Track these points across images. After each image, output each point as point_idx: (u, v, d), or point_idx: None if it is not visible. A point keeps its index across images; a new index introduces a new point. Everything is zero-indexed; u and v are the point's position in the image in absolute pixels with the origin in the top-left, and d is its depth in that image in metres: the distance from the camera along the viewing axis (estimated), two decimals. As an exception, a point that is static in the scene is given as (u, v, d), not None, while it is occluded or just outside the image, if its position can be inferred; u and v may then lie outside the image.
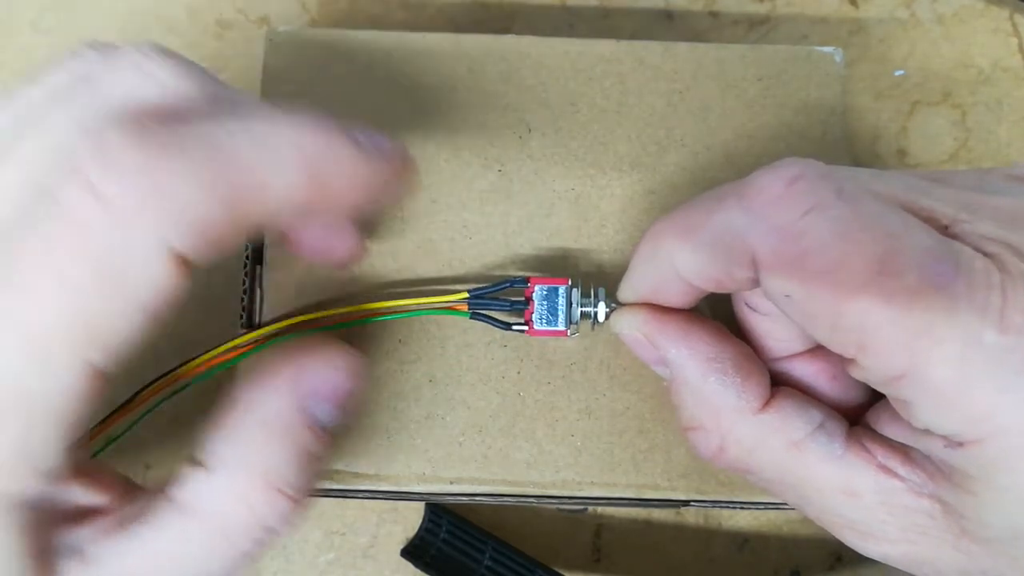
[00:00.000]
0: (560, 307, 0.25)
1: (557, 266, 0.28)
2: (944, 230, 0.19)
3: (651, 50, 0.30)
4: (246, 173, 0.17)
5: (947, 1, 0.39)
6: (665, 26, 0.39)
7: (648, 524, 0.35)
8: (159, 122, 0.17)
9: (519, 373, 0.27)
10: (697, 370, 0.23)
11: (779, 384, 0.23)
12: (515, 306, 0.25)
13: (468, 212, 0.28)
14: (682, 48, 0.30)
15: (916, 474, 0.20)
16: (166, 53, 0.19)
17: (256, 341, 0.25)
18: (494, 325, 0.26)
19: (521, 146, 0.29)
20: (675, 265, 0.22)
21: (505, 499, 0.27)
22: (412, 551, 0.33)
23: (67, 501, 0.20)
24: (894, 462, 0.21)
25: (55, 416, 0.17)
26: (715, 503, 0.27)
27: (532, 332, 0.25)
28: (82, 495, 0.20)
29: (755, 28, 0.39)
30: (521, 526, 0.34)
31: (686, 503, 0.27)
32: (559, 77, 0.30)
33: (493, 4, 0.39)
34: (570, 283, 0.25)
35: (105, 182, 0.16)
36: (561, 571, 0.33)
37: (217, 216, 0.17)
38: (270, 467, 0.20)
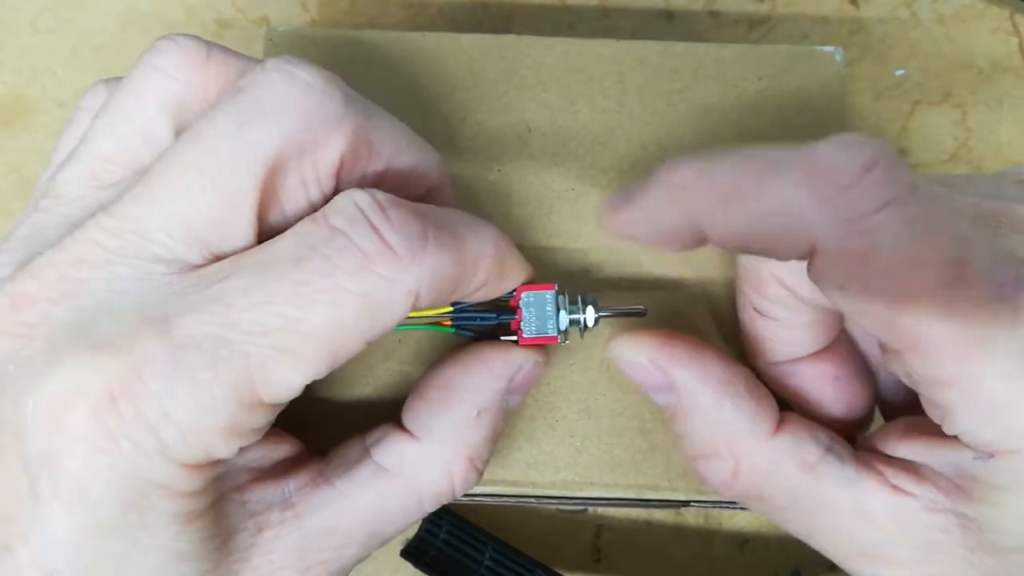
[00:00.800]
0: (549, 313, 0.24)
1: (557, 266, 0.28)
2: None
3: (651, 50, 0.30)
4: (471, 259, 0.21)
5: (947, 1, 0.38)
6: (665, 26, 0.39)
7: (648, 525, 0.35)
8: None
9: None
10: (711, 395, 0.22)
11: (779, 389, 0.23)
12: (502, 317, 0.24)
13: (468, 212, 0.28)
14: (682, 48, 0.30)
15: (929, 491, 0.20)
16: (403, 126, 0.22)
17: None
18: (479, 334, 0.25)
19: (521, 146, 0.29)
20: (701, 222, 0.20)
21: (505, 499, 0.27)
22: (412, 551, 0.33)
23: (264, 458, 0.22)
24: (906, 481, 0.20)
25: (268, 403, 0.19)
26: (715, 503, 0.27)
27: (523, 341, 0.24)
28: (272, 451, 0.22)
29: (755, 28, 0.39)
30: (521, 526, 0.34)
31: (686, 503, 0.27)
32: (559, 77, 0.30)
33: (493, 4, 0.39)
34: (557, 288, 0.24)
35: (390, 233, 0.19)
36: (561, 572, 0.33)
37: (448, 281, 0.20)
38: (473, 443, 0.23)
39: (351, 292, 0.18)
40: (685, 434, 0.23)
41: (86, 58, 0.39)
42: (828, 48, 0.30)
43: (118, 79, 0.22)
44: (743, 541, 0.35)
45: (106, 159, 0.21)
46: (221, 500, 0.20)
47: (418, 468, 0.22)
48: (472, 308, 0.24)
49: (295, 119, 0.19)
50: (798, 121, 0.29)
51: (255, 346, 0.18)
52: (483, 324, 0.24)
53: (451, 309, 0.24)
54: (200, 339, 0.18)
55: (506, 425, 0.24)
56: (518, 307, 0.24)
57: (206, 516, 0.19)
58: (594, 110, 0.29)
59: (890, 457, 0.21)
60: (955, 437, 0.19)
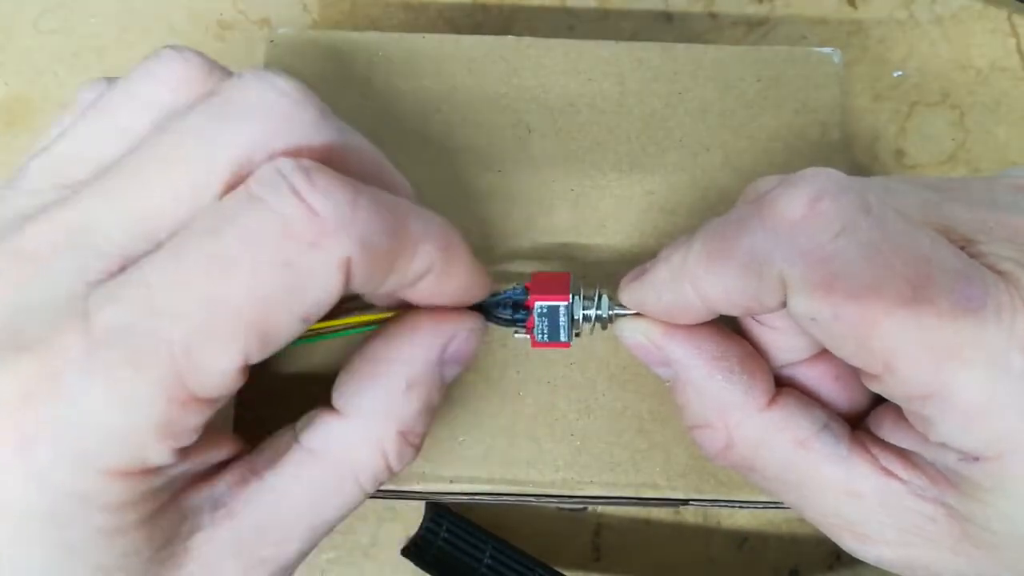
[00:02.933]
0: (561, 324, 0.24)
1: (557, 267, 0.28)
2: (962, 249, 0.19)
3: (650, 51, 0.30)
4: (410, 238, 0.19)
5: (945, 2, 0.39)
6: (664, 27, 0.39)
7: (648, 523, 0.35)
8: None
9: (519, 373, 0.27)
10: (703, 369, 0.23)
11: (781, 387, 0.24)
12: (516, 316, 0.24)
13: (468, 212, 0.28)
14: (681, 49, 0.30)
15: (918, 478, 0.21)
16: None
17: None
18: (500, 324, 0.25)
19: (521, 146, 0.29)
20: (701, 293, 0.21)
21: (505, 498, 0.27)
22: (412, 550, 0.34)
23: (202, 463, 0.20)
24: (896, 466, 0.21)
25: (201, 396, 0.18)
26: (714, 502, 0.27)
27: (535, 344, 0.24)
28: (214, 454, 0.21)
29: (754, 29, 0.39)
30: (521, 525, 0.34)
31: (685, 502, 0.27)
32: (559, 78, 0.30)
33: (493, 5, 0.39)
34: (571, 299, 0.24)
35: (314, 197, 0.18)
36: (561, 570, 0.33)
37: (382, 256, 0.19)
38: (404, 417, 0.22)
39: (271, 262, 0.17)
40: (682, 405, 0.24)
41: (88, 59, 0.39)
42: (826, 49, 0.30)
43: (118, 79, 0.22)
44: (742, 540, 0.35)
45: (77, 156, 0.20)
46: (157, 512, 0.19)
47: (347, 447, 0.21)
48: (487, 304, 0.24)
49: (265, 122, 0.19)
50: (797, 122, 0.29)
51: (178, 332, 0.17)
52: (500, 321, 0.24)
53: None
54: (119, 331, 0.17)
55: (443, 398, 0.23)
56: (531, 314, 0.24)
57: (140, 528, 0.18)
58: (594, 111, 0.29)
59: (881, 439, 0.22)
60: None
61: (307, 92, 0.20)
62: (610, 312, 0.24)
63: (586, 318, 0.24)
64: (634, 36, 0.39)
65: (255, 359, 0.18)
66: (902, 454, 0.21)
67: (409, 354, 0.22)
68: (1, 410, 0.17)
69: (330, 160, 0.19)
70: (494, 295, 0.24)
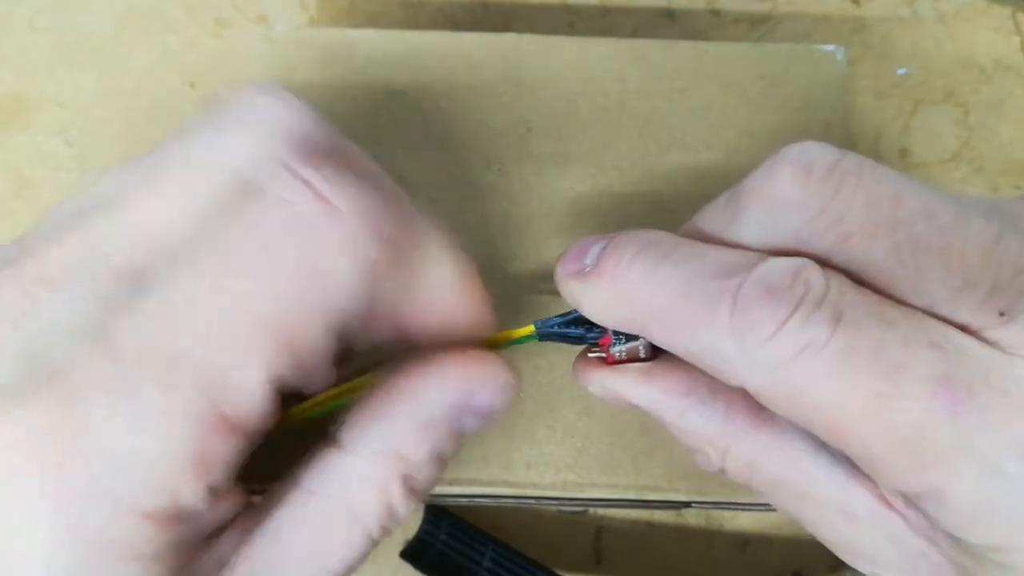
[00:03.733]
0: (641, 338, 0.22)
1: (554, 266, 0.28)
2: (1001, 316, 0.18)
3: (652, 48, 0.30)
4: (415, 222, 0.19)
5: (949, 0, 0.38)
6: (666, 24, 0.39)
7: (649, 526, 0.35)
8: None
9: (519, 374, 0.27)
10: (675, 410, 0.22)
11: None
12: (591, 334, 0.22)
13: (468, 212, 0.28)
14: (683, 46, 0.30)
15: (918, 517, 0.20)
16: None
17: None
18: (569, 343, 0.23)
19: (521, 146, 0.29)
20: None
21: (505, 500, 0.27)
22: (411, 552, 0.33)
23: (220, 517, 0.19)
24: (897, 500, 0.20)
25: (233, 420, 0.17)
26: (716, 504, 0.27)
27: (611, 361, 0.23)
28: (225, 509, 0.19)
29: (757, 26, 0.38)
30: (521, 528, 0.34)
31: (687, 504, 0.27)
32: (559, 76, 0.30)
33: (493, 2, 0.39)
34: None
35: (327, 187, 0.17)
36: (562, 573, 0.32)
37: (395, 246, 0.18)
38: (411, 462, 0.20)
39: (288, 258, 0.17)
40: (672, 433, 0.23)
41: (85, 57, 0.39)
42: (829, 47, 0.30)
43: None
44: (744, 542, 0.35)
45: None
46: (179, 570, 0.17)
47: (348, 486, 0.19)
48: (555, 323, 0.22)
49: (269, 129, 0.18)
50: (799, 120, 0.29)
51: (203, 347, 0.16)
52: (568, 335, 0.22)
53: (532, 329, 0.22)
54: (142, 352, 0.16)
55: (457, 453, 0.21)
56: (607, 330, 0.22)
57: None
58: (595, 109, 0.29)
59: None
60: None
61: (314, 111, 0.19)
62: None
63: None
64: (635, 33, 0.38)
65: (287, 377, 0.17)
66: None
67: (428, 393, 0.20)
68: (26, 449, 0.16)
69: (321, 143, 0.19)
70: (559, 316, 0.22)
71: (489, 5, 0.39)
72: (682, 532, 0.35)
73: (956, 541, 0.19)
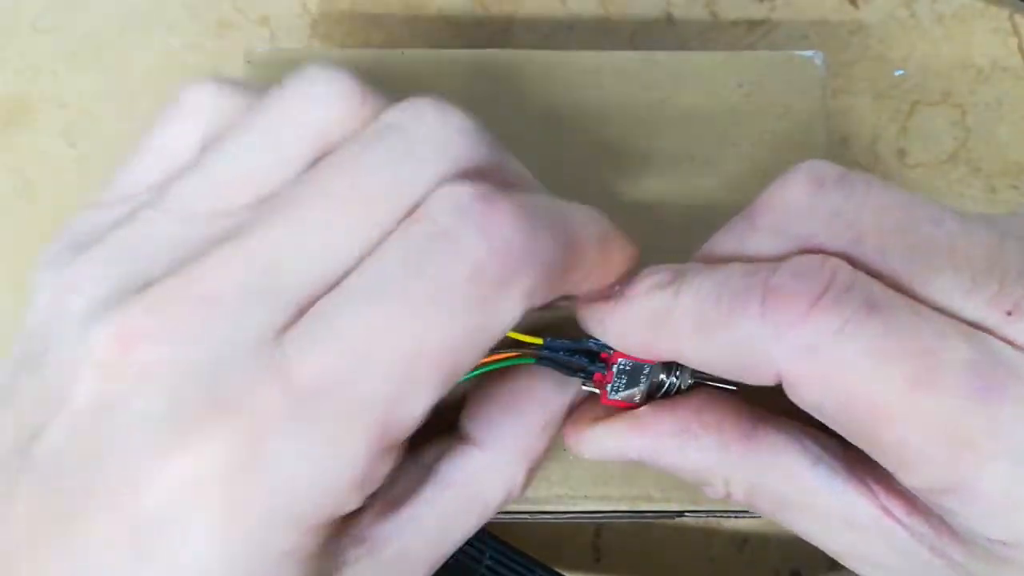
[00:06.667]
0: (641, 383, 0.23)
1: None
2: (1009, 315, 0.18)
3: (631, 59, 0.30)
4: (578, 243, 0.19)
5: (947, 1, 0.39)
6: (665, 28, 0.39)
7: (648, 524, 0.35)
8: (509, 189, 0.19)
9: None
10: (669, 453, 0.22)
11: (762, 421, 0.23)
12: (592, 368, 0.23)
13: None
14: (662, 57, 0.30)
15: (921, 525, 0.20)
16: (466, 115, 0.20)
17: None
18: (559, 369, 0.23)
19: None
20: (680, 352, 0.20)
21: (498, 517, 0.27)
22: (412, 551, 0.33)
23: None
24: (898, 509, 0.20)
25: (397, 443, 0.18)
26: (710, 513, 0.27)
27: (605, 401, 0.23)
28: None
29: (754, 29, 0.39)
30: (520, 526, 0.34)
31: (680, 514, 0.27)
32: (539, 90, 0.29)
33: (493, 4, 0.39)
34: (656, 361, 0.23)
35: (501, 232, 0.17)
36: (561, 571, 0.33)
37: (559, 274, 0.19)
38: (536, 454, 0.22)
39: (467, 305, 0.17)
40: (677, 475, 0.23)
41: (87, 58, 0.39)
42: (808, 53, 0.30)
43: (239, 83, 0.21)
44: (743, 541, 0.35)
45: (236, 179, 0.19)
46: (327, 553, 0.18)
47: (483, 478, 0.22)
48: (561, 348, 0.23)
49: (448, 159, 0.18)
50: (780, 127, 0.29)
51: (381, 381, 0.17)
52: (569, 364, 0.23)
53: (541, 342, 0.22)
54: (321, 383, 0.16)
55: None
56: (610, 368, 0.23)
57: (317, 574, 0.18)
58: (575, 123, 0.29)
59: (885, 473, 0.20)
60: None
61: (479, 122, 0.20)
62: (689, 382, 0.23)
63: (663, 384, 0.23)
64: (634, 36, 0.39)
65: (437, 400, 0.18)
66: (906, 496, 0.20)
67: (550, 397, 0.23)
68: (209, 479, 0.16)
69: (503, 183, 0.19)
70: (570, 340, 0.23)
71: (489, 6, 0.39)
72: (681, 531, 0.35)
73: (969, 545, 0.19)
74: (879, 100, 0.37)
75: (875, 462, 0.21)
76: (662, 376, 0.23)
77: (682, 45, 0.39)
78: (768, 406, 0.22)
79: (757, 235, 0.21)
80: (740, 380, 0.20)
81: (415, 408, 0.17)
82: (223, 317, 0.17)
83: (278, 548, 0.17)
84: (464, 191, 0.18)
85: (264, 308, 0.17)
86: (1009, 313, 0.18)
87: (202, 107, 0.20)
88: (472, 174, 0.18)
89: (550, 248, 0.18)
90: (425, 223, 0.17)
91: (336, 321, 0.17)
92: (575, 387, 0.23)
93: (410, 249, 0.17)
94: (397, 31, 0.39)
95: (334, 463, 0.16)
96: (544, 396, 0.22)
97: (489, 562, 0.33)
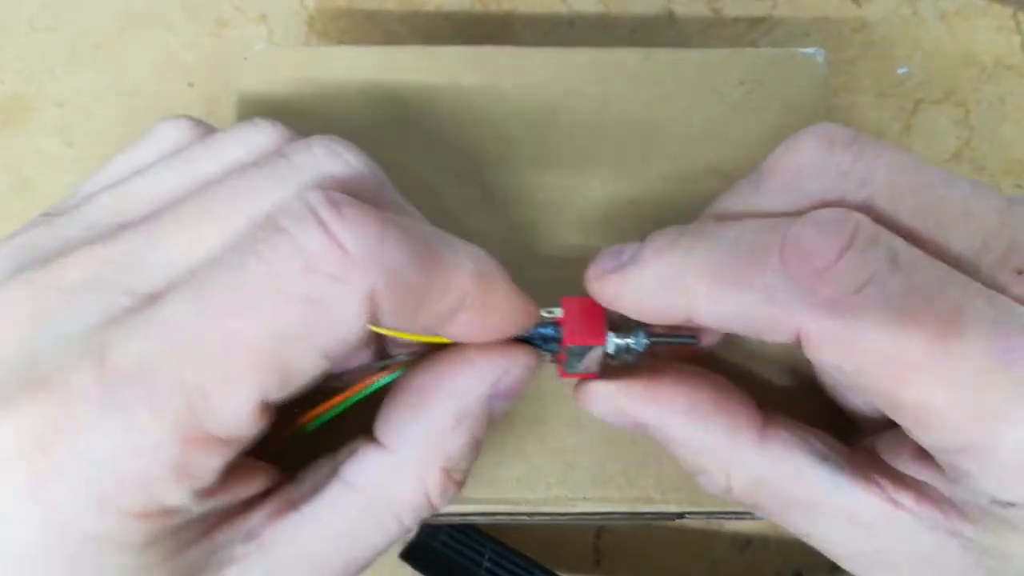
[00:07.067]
0: (593, 359, 0.22)
1: (540, 281, 0.27)
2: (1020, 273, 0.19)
3: (631, 56, 0.30)
4: (441, 270, 0.19)
5: (951, -2, 0.38)
6: (666, 25, 0.38)
7: (649, 526, 0.35)
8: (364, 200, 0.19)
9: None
10: (679, 427, 0.22)
11: (772, 416, 0.23)
12: (548, 347, 0.22)
13: (450, 226, 0.28)
14: (663, 54, 0.30)
15: (930, 510, 0.20)
16: (344, 141, 0.21)
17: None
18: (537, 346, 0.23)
19: (502, 158, 0.29)
20: (694, 311, 0.20)
21: (498, 517, 0.26)
22: (411, 553, 0.33)
23: (231, 499, 0.20)
24: (906, 498, 0.20)
25: (219, 437, 0.17)
26: (710, 514, 0.27)
27: (563, 375, 0.23)
28: (245, 489, 0.20)
29: (756, 26, 0.38)
30: (520, 528, 0.34)
31: (680, 515, 0.27)
32: (539, 87, 0.29)
33: (492, 2, 0.39)
34: (607, 340, 0.22)
35: (340, 229, 0.17)
36: (561, 574, 0.32)
37: (412, 288, 0.18)
38: (450, 452, 0.21)
39: (293, 296, 0.17)
40: (674, 456, 0.23)
41: (85, 57, 0.39)
42: (809, 50, 0.30)
43: (210, 127, 0.23)
44: (744, 542, 0.35)
45: (146, 195, 0.20)
46: (184, 547, 0.18)
47: (389, 482, 0.20)
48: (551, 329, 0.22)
49: (315, 179, 0.19)
50: (782, 124, 0.29)
51: (193, 370, 0.17)
52: (532, 338, 0.22)
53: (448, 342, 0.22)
54: (135, 369, 0.17)
55: (490, 433, 0.22)
56: (564, 347, 0.22)
57: (164, 565, 0.18)
58: (575, 120, 0.29)
59: (890, 467, 0.21)
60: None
61: (372, 164, 0.20)
62: (648, 341, 0.23)
63: (619, 351, 0.23)
64: (634, 33, 0.38)
65: (274, 397, 0.18)
66: (913, 485, 0.20)
67: (459, 387, 0.21)
68: (15, 451, 0.16)
69: (358, 193, 0.19)
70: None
71: (488, 3, 0.39)
72: (682, 533, 0.35)
73: (977, 519, 0.19)
74: (882, 98, 0.37)
75: (880, 459, 0.21)
76: (616, 341, 0.22)
77: (683, 42, 0.38)
78: (772, 407, 0.22)
79: (767, 194, 0.20)
80: (758, 336, 0.19)
81: (233, 400, 0.17)
82: (61, 305, 0.18)
83: (90, 529, 0.17)
84: (313, 195, 0.18)
85: (103, 299, 0.18)
86: (1020, 272, 0.18)
87: (166, 138, 0.22)
88: (337, 201, 0.18)
89: (399, 257, 0.18)
90: (267, 223, 0.18)
91: (161, 311, 0.17)
92: (504, 370, 0.21)
93: (245, 243, 0.18)
94: (395, 28, 0.39)
95: (138, 447, 0.16)
96: (454, 387, 0.21)
97: (488, 564, 0.33)
